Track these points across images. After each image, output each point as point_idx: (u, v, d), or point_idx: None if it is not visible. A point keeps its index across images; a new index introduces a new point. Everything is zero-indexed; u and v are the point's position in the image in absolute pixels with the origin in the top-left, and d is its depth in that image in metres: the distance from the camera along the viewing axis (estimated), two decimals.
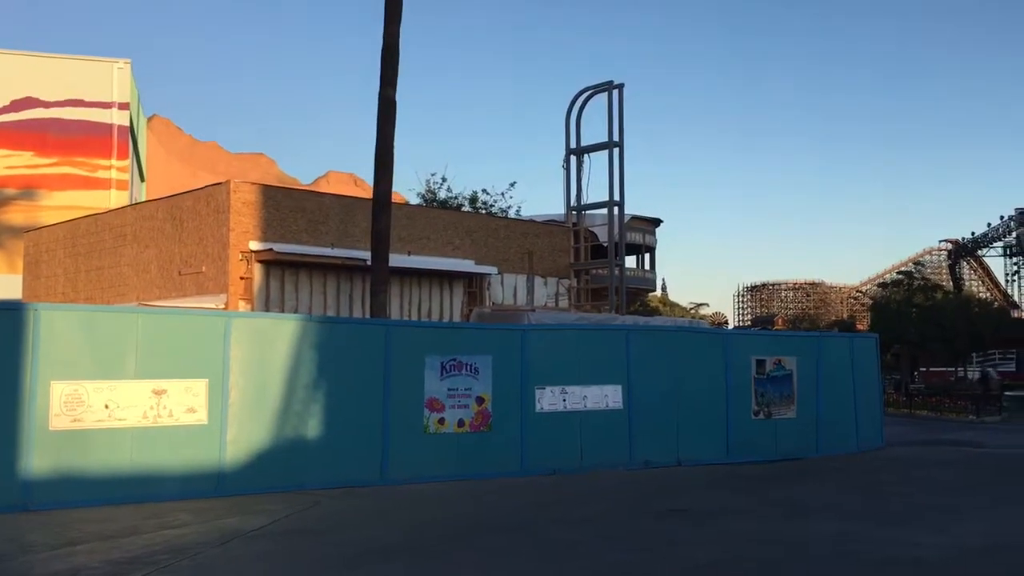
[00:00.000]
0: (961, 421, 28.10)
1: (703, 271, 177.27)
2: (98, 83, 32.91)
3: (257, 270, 16.95)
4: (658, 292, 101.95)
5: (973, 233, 60.13)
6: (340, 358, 11.76)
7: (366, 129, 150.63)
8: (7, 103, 32.60)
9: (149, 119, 51.98)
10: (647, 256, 33.76)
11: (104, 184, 32.95)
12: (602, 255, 25.43)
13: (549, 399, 13.51)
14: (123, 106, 32.92)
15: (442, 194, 35.29)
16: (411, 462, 12.06)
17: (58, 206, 31.35)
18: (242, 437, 10.84)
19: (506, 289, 21.73)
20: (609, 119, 24.06)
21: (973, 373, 50.04)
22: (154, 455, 10.19)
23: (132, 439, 10.08)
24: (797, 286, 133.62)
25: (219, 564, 7.06)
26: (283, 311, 16.96)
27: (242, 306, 16.42)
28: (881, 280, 45.18)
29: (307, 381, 11.42)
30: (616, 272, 23.85)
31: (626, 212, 25.93)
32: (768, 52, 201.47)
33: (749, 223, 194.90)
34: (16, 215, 32.14)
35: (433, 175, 36.59)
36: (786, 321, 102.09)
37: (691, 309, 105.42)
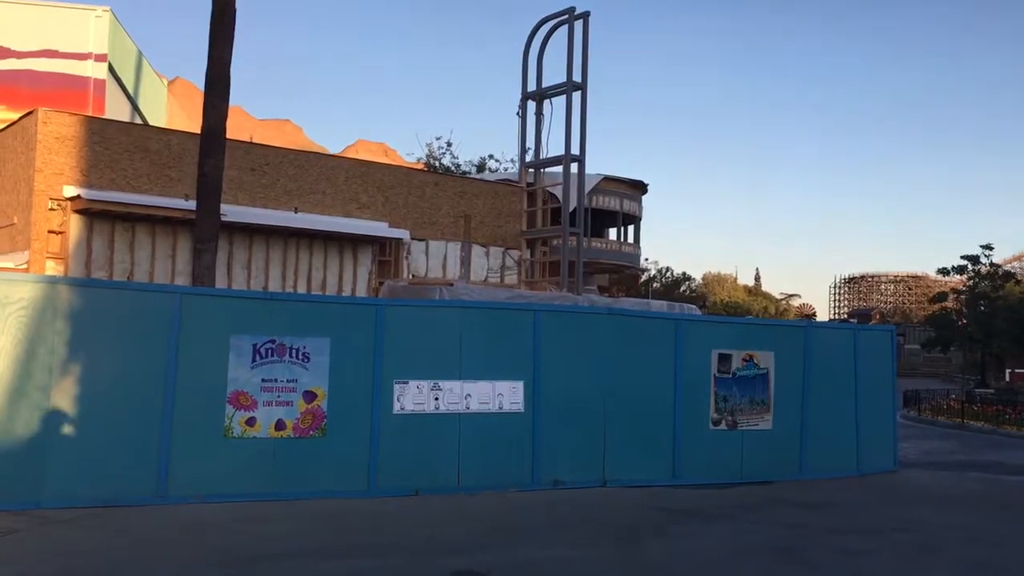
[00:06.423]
0: (1022, 435, 25.91)
1: (801, 260, 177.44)
2: (75, 32, 31.87)
3: (76, 223, 15.22)
4: (750, 280, 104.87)
5: None
6: (106, 335, 10.10)
7: (397, 97, 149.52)
8: None
9: (171, 82, 51.34)
10: (631, 228, 31.57)
11: None
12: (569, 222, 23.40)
13: (414, 397, 11.71)
14: (100, 58, 31.77)
15: (446, 160, 34.50)
16: (203, 475, 10.35)
17: None
18: None
19: (432, 259, 19.87)
20: (569, 55, 22.10)
21: None
22: None
23: None
24: (898, 279, 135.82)
25: None
26: (111, 276, 15.26)
27: (51, 267, 14.72)
28: (941, 267, 42.45)
29: (51, 364, 9.74)
30: (572, 242, 21.74)
31: (604, 172, 23.95)
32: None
33: (852, 209, 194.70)
34: None
35: (438, 139, 36.35)
36: (883, 315, 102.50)
37: (781, 300, 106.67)
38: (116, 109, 32.07)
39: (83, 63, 31.98)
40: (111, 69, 31.96)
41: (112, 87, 32.64)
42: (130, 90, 35.25)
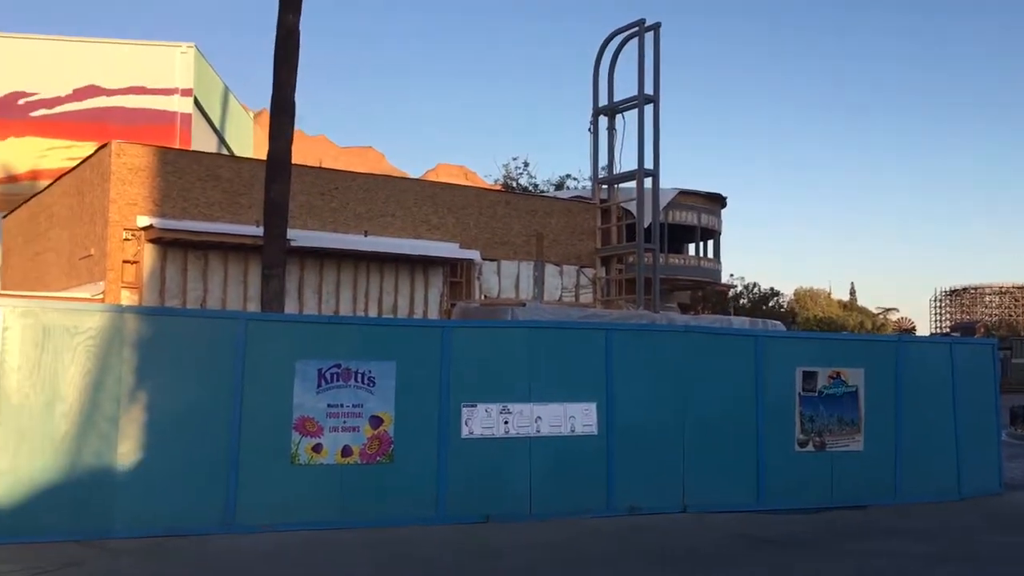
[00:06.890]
0: None
1: (900, 273, 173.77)
2: (161, 69, 33.32)
3: (149, 252, 15.61)
4: (844, 295, 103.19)
5: None
6: (172, 363, 10.19)
7: (475, 121, 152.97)
8: (69, 92, 33.48)
9: (257, 113, 53.32)
10: (710, 243, 30.93)
11: None
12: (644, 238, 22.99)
13: (482, 421, 11.48)
14: (186, 92, 33.17)
15: (523, 180, 34.85)
16: (271, 503, 10.31)
17: None
18: (20, 467, 9.36)
19: (505, 279, 19.76)
20: (640, 68, 21.87)
21: None
22: None
23: None
24: (1004, 290, 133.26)
25: None
26: (184, 303, 15.55)
27: (126, 296, 15.08)
28: None
29: (119, 393, 9.85)
30: (648, 259, 21.36)
31: (680, 186, 23.51)
32: None
33: (954, 219, 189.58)
34: None
35: (515, 159, 37.07)
36: (988, 328, 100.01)
37: (879, 314, 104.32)
38: (202, 142, 33.20)
39: (169, 98, 33.16)
40: (197, 103, 33.03)
41: (198, 120, 33.75)
42: (216, 123, 36.40)
